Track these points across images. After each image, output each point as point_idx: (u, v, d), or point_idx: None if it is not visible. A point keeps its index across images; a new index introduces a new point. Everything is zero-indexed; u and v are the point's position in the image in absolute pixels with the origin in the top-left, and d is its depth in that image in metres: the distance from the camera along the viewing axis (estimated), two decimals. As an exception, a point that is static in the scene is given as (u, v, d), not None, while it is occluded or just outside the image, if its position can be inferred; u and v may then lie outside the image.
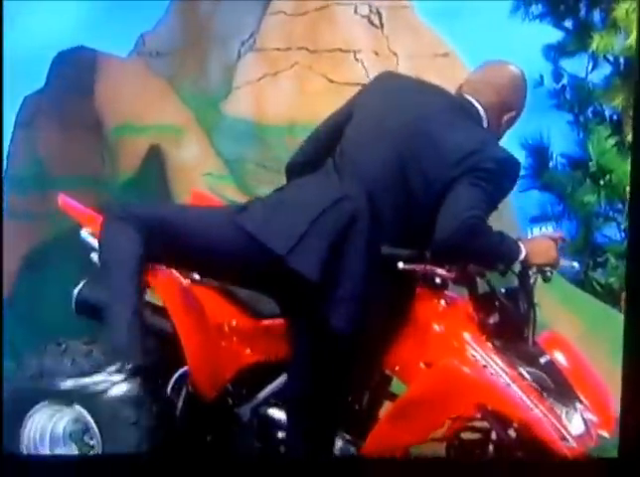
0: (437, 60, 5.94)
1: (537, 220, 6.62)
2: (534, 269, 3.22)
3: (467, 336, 3.12)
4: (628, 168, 6.59)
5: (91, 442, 3.29)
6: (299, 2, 5.83)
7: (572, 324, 4.30)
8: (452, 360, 3.08)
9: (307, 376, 3.14)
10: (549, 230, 3.21)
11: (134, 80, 6.08)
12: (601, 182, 6.66)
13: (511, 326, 3.17)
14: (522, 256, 3.06)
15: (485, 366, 3.11)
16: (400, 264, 3.08)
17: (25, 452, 3.36)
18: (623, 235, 6.80)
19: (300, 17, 5.87)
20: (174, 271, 3.33)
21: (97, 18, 6.39)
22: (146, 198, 5.55)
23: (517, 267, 3.23)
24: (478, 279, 3.18)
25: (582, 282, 6.19)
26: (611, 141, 6.68)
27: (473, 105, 3.16)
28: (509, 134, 7.17)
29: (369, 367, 3.21)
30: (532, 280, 3.24)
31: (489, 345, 3.11)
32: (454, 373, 3.08)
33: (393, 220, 3.08)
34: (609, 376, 3.32)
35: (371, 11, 5.89)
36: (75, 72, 6.13)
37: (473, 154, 3.05)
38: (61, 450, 3.39)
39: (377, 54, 5.83)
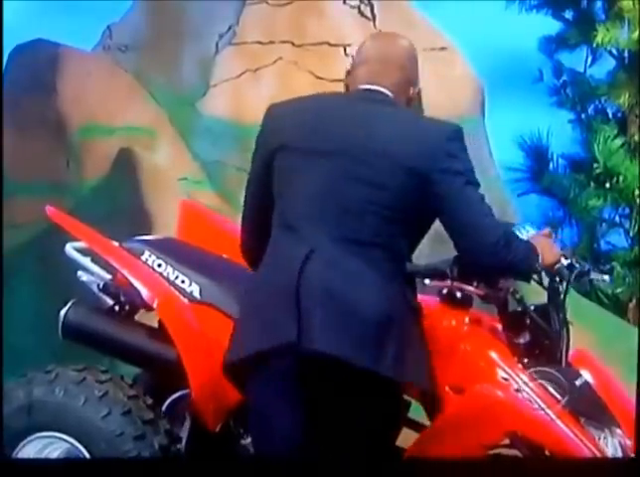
0: (435, 54, 5.99)
1: (539, 227, 6.67)
2: (562, 282, 3.27)
3: (495, 356, 3.13)
4: (637, 170, 6.69)
5: None
6: (282, -6, 5.86)
7: (586, 338, 4.34)
8: (487, 386, 3.11)
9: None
10: (529, 230, 3.27)
11: (100, 77, 6.06)
12: (607, 185, 6.74)
13: (543, 346, 3.18)
14: (540, 260, 3.13)
15: (517, 389, 3.14)
16: (427, 281, 3.12)
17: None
18: (631, 242, 6.88)
19: (284, 7, 5.88)
20: (175, 291, 3.34)
21: (59, 7, 6.38)
22: (115, 206, 5.53)
23: (545, 280, 3.28)
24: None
25: (587, 293, 6.23)
26: (618, 141, 6.76)
27: (381, 92, 3.09)
28: (505, 133, 7.27)
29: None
30: (562, 295, 3.28)
31: (520, 366, 3.12)
32: (488, 400, 3.10)
33: (372, 239, 3.05)
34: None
35: (362, 2, 5.92)
36: (33, 67, 6.11)
37: (431, 141, 3.04)
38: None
39: (368, 49, 5.85)
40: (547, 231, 3.31)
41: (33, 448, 3.36)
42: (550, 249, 3.20)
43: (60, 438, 3.29)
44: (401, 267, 3.07)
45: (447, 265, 3.20)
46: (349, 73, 3.17)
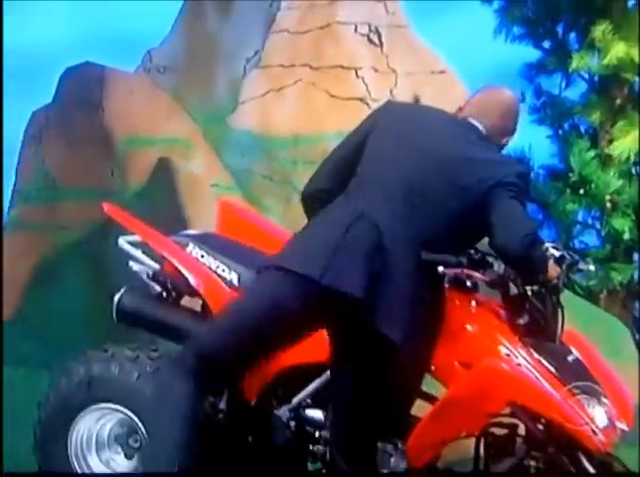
0: (434, 76, 5.98)
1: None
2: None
3: (499, 335, 3.11)
4: (607, 178, 6.71)
5: (135, 445, 3.26)
6: (302, 21, 5.83)
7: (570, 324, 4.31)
8: (492, 359, 3.09)
9: (354, 383, 3.14)
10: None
11: (142, 95, 6.04)
12: (581, 191, 6.73)
13: (540, 326, 3.17)
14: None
15: (518, 364, 3.12)
16: (441, 268, 3.10)
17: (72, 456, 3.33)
18: (602, 241, 6.90)
19: (303, 35, 5.86)
20: (217, 278, 3.31)
21: (105, 34, 6.37)
22: (155, 209, 5.50)
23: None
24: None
25: (565, 285, 6.23)
26: (591, 153, 6.75)
27: (478, 128, 3.20)
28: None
29: (414, 371, 3.22)
30: (557, 284, 3.26)
31: (520, 343, 3.10)
32: (494, 372, 3.08)
33: (419, 229, 3.11)
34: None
35: (370, 30, 5.91)
36: (82, 86, 6.08)
37: (501, 168, 3.12)
38: (106, 454, 3.36)
39: (376, 71, 5.85)
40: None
41: (91, 418, 3.34)
42: (553, 266, 3.19)
43: (115, 409, 3.27)
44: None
45: (458, 256, 3.19)
46: (460, 109, 3.25)
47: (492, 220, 3.07)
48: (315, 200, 3.23)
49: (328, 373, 3.32)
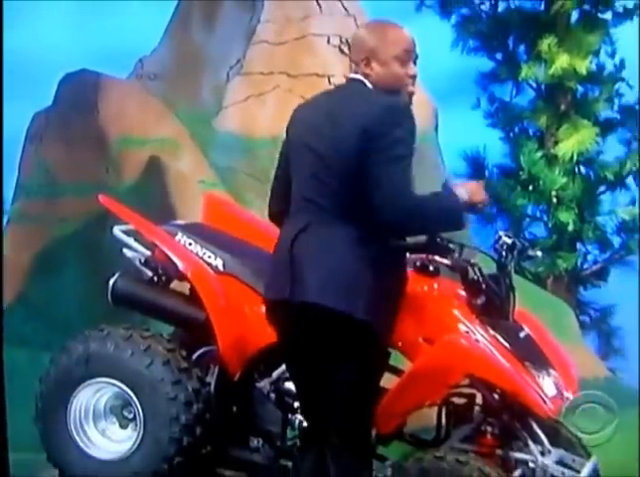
0: (399, 83, 5.99)
1: (478, 220, 6.69)
2: (509, 255, 3.24)
3: (458, 314, 3.09)
4: (553, 176, 6.75)
5: (129, 416, 3.22)
6: (280, 33, 5.80)
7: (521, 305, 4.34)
8: (453, 336, 3.08)
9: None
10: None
11: (134, 99, 5.99)
12: (530, 188, 6.77)
13: (495, 306, 3.16)
14: (466, 199, 2.89)
15: (476, 340, 3.12)
16: (408, 254, 3.08)
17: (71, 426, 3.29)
18: (548, 232, 6.94)
19: (281, 46, 5.84)
20: (204, 264, 3.28)
21: (101, 44, 6.32)
22: (147, 202, 5.46)
23: (495, 256, 3.25)
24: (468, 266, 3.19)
25: (516, 271, 6.29)
26: (538, 154, 6.79)
27: (354, 79, 2.82)
28: (453, 147, 7.24)
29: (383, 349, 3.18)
30: (509, 267, 3.27)
31: (477, 321, 3.08)
32: (455, 347, 3.07)
33: (348, 215, 2.83)
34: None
35: (341, 41, 5.89)
36: (79, 91, 6.02)
37: (369, 126, 2.71)
38: (102, 424, 3.32)
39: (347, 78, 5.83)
40: (480, 182, 3.04)
41: (88, 391, 3.29)
42: (477, 190, 2.96)
43: (111, 384, 3.23)
44: (371, 234, 2.81)
45: (422, 243, 3.19)
46: None
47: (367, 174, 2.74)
48: (278, 220, 3.04)
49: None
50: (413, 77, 2.84)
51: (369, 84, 2.81)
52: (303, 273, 2.82)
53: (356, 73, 2.82)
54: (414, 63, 2.84)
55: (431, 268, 3.17)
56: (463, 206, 2.89)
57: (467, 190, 2.92)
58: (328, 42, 5.91)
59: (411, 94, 2.86)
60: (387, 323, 2.91)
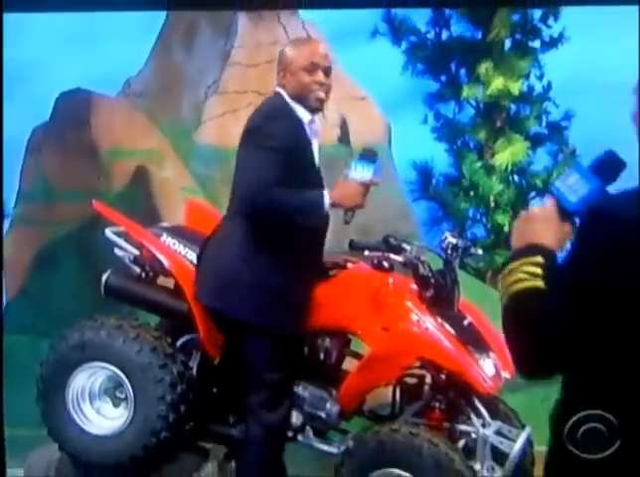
0: (357, 102, 5.97)
1: (427, 222, 6.73)
2: (454, 253, 3.24)
3: (411, 305, 3.08)
4: (491, 183, 6.80)
5: (122, 396, 3.18)
6: (251, 56, 5.77)
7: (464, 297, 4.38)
8: (405, 324, 3.08)
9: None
10: (365, 171, 2.72)
11: (122, 115, 5.92)
12: (471, 193, 6.80)
13: (442, 297, 3.17)
14: (327, 202, 2.67)
15: (426, 327, 3.12)
16: (367, 252, 3.08)
17: (69, 405, 3.24)
18: (487, 233, 6.98)
19: (252, 68, 5.81)
20: (186, 261, 3.25)
21: (92, 65, 6.25)
22: (135, 207, 5.41)
23: (442, 253, 3.25)
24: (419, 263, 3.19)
25: (460, 267, 6.31)
26: (478, 164, 6.82)
27: (275, 92, 2.79)
28: (404, 158, 7.28)
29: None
30: (454, 263, 3.28)
31: (427, 311, 3.09)
32: (407, 334, 3.06)
33: None
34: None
35: (305, 64, 5.88)
36: (74, 108, 5.95)
37: (247, 125, 2.76)
38: (97, 403, 3.27)
39: (311, 97, 5.81)
40: (370, 179, 2.72)
41: (84, 374, 3.24)
42: (351, 195, 2.70)
43: (104, 367, 3.18)
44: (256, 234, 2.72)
45: (379, 242, 3.19)
46: None
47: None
48: None
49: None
50: (321, 83, 2.75)
51: (284, 94, 2.76)
52: (198, 274, 2.83)
53: (279, 84, 2.79)
54: (326, 74, 2.76)
55: (386, 265, 3.16)
56: (326, 205, 2.67)
57: (340, 194, 2.69)
58: (295, 65, 5.88)
59: (320, 100, 2.77)
60: (271, 317, 2.74)
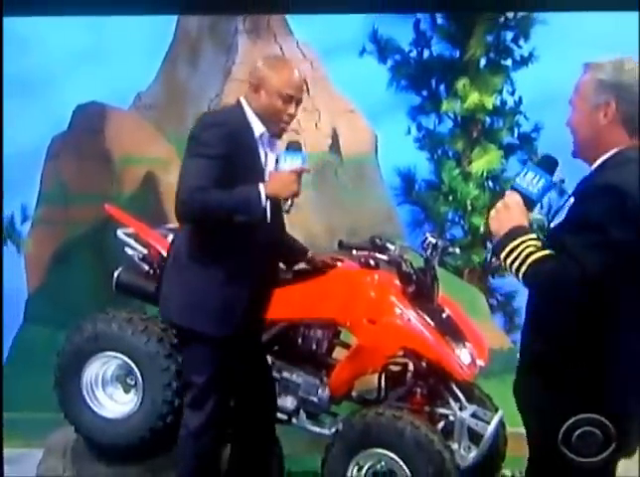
0: (346, 114, 5.96)
1: (410, 224, 6.72)
2: (434, 252, 3.22)
3: (394, 299, 3.07)
4: (468, 189, 6.80)
5: (132, 383, 3.16)
6: (247, 73, 5.73)
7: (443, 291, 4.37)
8: (390, 317, 3.07)
9: None
10: (294, 161, 2.54)
11: (133, 126, 5.89)
12: (450, 198, 6.79)
13: (423, 292, 3.15)
14: (262, 195, 2.48)
15: (408, 319, 3.11)
16: (354, 251, 3.07)
17: (84, 391, 3.22)
18: (464, 233, 6.98)
19: (248, 83, 5.79)
20: None
21: (106, 81, 6.23)
22: (144, 209, 5.38)
23: (423, 253, 3.24)
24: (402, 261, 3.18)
25: (440, 264, 6.32)
26: (456, 171, 6.82)
27: (237, 102, 2.64)
28: (389, 166, 7.27)
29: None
30: (434, 261, 3.27)
31: (410, 305, 3.08)
32: (391, 326, 3.06)
33: None
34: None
35: (300, 80, 5.85)
36: (89, 119, 5.92)
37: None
38: (109, 389, 3.25)
39: (305, 110, 5.74)
40: (299, 167, 2.53)
41: (97, 363, 3.22)
42: (284, 185, 2.51)
43: (115, 357, 3.16)
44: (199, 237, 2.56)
45: (365, 243, 3.18)
46: None
47: None
48: None
49: (273, 327, 3.26)
50: (292, 116, 2.59)
51: (245, 107, 2.58)
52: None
53: (245, 96, 2.60)
54: (297, 105, 2.59)
55: (372, 263, 3.17)
56: (262, 197, 2.48)
57: (273, 185, 2.50)
58: (289, 80, 5.86)
59: (284, 130, 2.62)
60: (194, 320, 2.59)
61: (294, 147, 2.56)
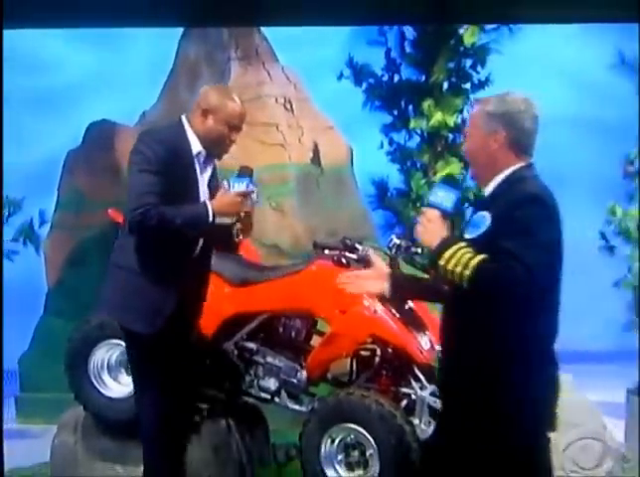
0: (326, 130, 5.95)
1: (382, 227, 6.70)
2: (397, 252, 3.21)
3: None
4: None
5: (133, 366, 3.13)
6: (241, 94, 5.59)
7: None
8: (359, 308, 3.08)
9: None
10: (241, 186, 2.56)
11: (139, 142, 5.85)
12: (418, 204, 6.79)
13: None
14: (210, 212, 2.48)
15: (375, 310, 3.12)
16: (327, 251, 3.06)
17: (91, 375, 3.19)
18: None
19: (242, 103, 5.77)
20: None
21: (115, 100, 6.20)
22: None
23: (389, 252, 3.23)
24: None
25: (410, 262, 6.31)
26: (423, 181, 6.81)
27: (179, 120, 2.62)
28: (365, 176, 7.29)
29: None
30: (398, 259, 3.27)
31: (377, 298, 3.11)
32: (360, 316, 3.07)
33: None
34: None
35: (285, 101, 5.84)
36: (101, 135, 5.87)
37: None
38: (114, 372, 3.23)
39: (290, 127, 5.78)
40: (245, 189, 2.53)
41: (103, 349, 3.21)
42: (228, 205, 2.50)
43: (118, 344, 3.15)
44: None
45: (337, 243, 3.18)
46: None
47: None
48: None
49: (258, 318, 3.25)
50: (233, 142, 2.62)
51: (186, 125, 2.55)
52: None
53: (187, 117, 2.57)
54: (238, 133, 2.62)
55: (344, 261, 3.18)
56: (209, 213, 2.47)
57: (219, 203, 2.49)
58: (276, 101, 5.84)
59: (223, 152, 2.63)
60: (136, 320, 2.53)
61: (243, 173, 2.56)
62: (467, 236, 1.97)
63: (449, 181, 2.08)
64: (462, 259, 1.86)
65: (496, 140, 1.97)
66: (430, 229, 1.98)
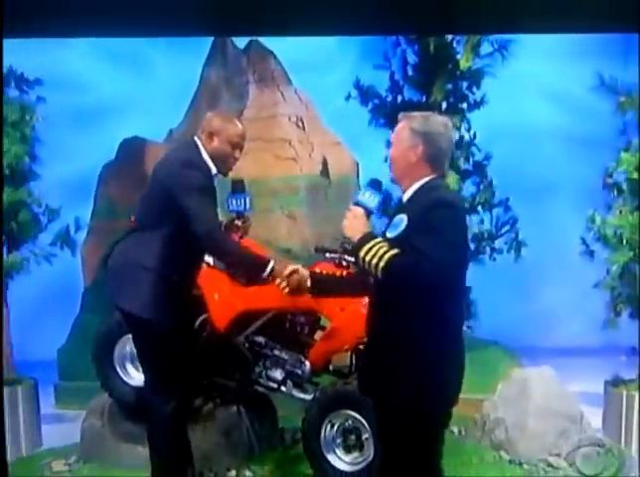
0: (334, 146, 5.97)
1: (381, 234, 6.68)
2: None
3: None
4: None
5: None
6: (257, 113, 5.75)
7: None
8: (356, 305, 3.07)
9: None
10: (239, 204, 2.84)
11: (166, 156, 5.91)
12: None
13: None
14: (267, 272, 2.62)
15: (372, 308, 3.10)
16: (327, 254, 3.07)
17: (116, 364, 3.21)
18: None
19: (259, 121, 5.79)
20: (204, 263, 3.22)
21: (145, 118, 6.28)
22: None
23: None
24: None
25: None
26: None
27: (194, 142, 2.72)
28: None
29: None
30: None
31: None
32: (358, 313, 3.07)
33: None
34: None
35: (297, 119, 5.88)
36: (132, 150, 5.94)
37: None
38: (136, 362, 3.25)
39: (301, 142, 5.82)
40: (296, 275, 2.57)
41: (126, 342, 3.24)
42: (282, 274, 2.57)
43: None
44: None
45: (336, 247, 3.18)
46: None
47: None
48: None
49: (266, 314, 3.26)
50: (236, 159, 2.74)
51: (201, 148, 2.68)
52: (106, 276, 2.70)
53: (199, 138, 2.70)
54: (241, 151, 2.74)
55: (344, 263, 3.18)
56: (265, 271, 2.58)
57: (279, 273, 2.57)
58: (289, 119, 5.89)
59: (229, 170, 2.76)
60: (143, 303, 2.58)
61: (237, 188, 2.82)
62: (388, 235, 2.09)
63: (375, 185, 2.17)
64: (378, 252, 1.99)
65: (415, 153, 2.10)
66: (355, 224, 2.10)
